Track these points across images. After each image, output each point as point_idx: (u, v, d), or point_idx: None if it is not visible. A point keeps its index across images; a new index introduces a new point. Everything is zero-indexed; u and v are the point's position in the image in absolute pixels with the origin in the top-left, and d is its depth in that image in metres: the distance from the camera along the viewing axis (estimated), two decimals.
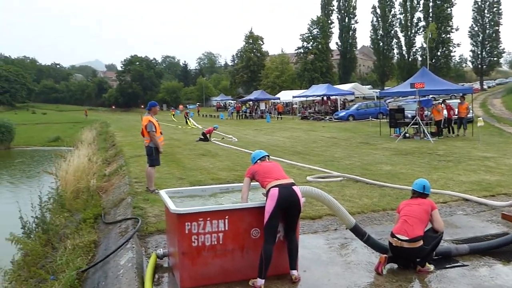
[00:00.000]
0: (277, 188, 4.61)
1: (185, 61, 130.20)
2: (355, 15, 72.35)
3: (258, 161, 5.15)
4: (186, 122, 38.12)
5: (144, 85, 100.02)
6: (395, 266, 5.08)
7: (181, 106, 70.48)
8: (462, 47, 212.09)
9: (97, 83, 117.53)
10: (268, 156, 5.29)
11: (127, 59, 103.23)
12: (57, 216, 8.89)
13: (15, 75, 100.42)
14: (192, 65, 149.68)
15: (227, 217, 4.59)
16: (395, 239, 4.94)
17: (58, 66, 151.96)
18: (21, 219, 7.82)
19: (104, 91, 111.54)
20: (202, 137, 20.51)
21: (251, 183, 5.03)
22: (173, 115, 54.60)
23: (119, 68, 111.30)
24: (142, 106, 67.63)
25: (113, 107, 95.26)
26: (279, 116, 43.88)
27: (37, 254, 6.94)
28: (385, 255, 5.04)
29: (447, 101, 22.41)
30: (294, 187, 4.70)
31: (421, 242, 4.84)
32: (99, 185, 11.12)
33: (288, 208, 4.65)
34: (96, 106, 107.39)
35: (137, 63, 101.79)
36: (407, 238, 4.85)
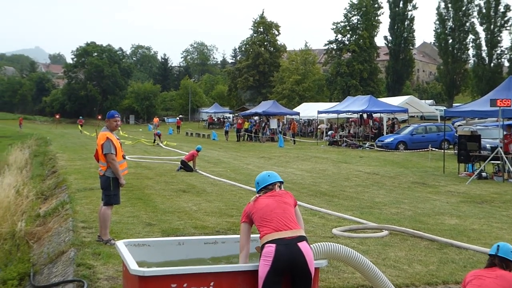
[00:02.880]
0: (273, 245, 4.59)
1: (164, 54, 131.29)
2: None
3: (263, 191, 5.12)
4: (154, 140, 40.68)
5: (104, 86, 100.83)
6: None
7: (156, 119, 70.47)
8: None
9: (35, 81, 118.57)
10: (281, 183, 5.23)
11: (81, 47, 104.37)
12: None
13: None
14: (175, 60, 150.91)
15: (212, 283, 4.60)
16: None
17: None
18: None
19: (45, 92, 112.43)
20: (182, 166, 20.55)
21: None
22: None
23: (69, 61, 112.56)
24: (100, 117, 68.00)
25: (57, 116, 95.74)
26: (293, 138, 44.79)
27: None
28: None
29: None
30: (301, 244, 4.67)
31: None
32: (29, 230, 11.14)
33: (292, 274, 4.63)
34: (33, 114, 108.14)
35: (95, 54, 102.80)
36: None
